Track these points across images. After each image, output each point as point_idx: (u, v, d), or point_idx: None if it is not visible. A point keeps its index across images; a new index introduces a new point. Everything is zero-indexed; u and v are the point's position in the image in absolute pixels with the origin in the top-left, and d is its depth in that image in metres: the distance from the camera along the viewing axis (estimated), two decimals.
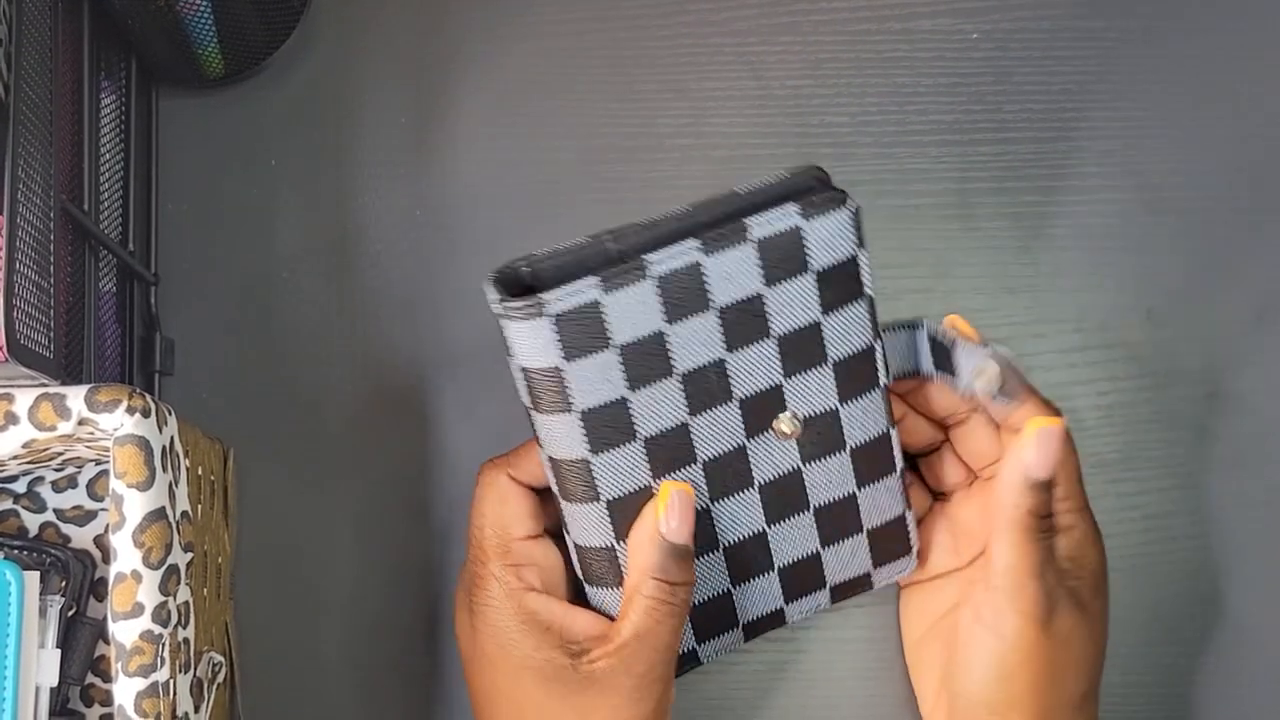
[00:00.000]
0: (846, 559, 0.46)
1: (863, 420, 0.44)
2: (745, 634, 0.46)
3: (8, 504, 0.45)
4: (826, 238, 0.41)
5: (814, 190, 0.41)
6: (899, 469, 0.45)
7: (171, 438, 0.38)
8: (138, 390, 0.37)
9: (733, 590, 0.45)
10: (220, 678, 0.44)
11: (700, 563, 0.44)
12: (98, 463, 0.44)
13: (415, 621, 0.49)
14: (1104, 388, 0.52)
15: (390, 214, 0.51)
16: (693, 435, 0.42)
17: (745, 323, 0.41)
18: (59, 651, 0.41)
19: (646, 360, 0.40)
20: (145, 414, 0.36)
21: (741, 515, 0.44)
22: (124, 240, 0.48)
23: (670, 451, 0.42)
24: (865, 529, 0.45)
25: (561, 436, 0.41)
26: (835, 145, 0.53)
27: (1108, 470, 0.52)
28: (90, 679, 0.43)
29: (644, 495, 0.42)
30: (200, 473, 0.43)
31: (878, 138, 0.53)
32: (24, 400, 0.36)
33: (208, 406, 0.50)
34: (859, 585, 0.47)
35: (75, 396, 0.36)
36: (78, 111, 0.45)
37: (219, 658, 0.43)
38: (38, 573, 0.41)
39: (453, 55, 0.52)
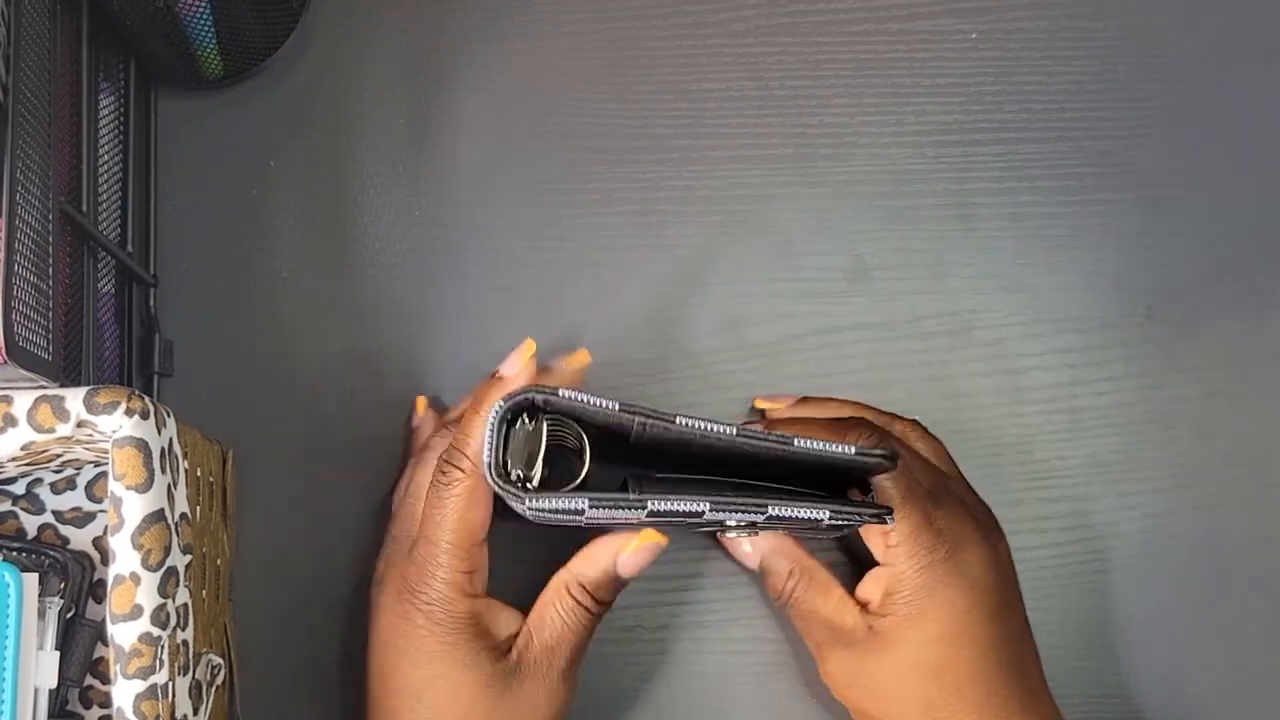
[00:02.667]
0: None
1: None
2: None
3: (6, 506, 0.45)
4: (844, 526, 0.41)
5: (865, 484, 0.42)
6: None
7: (170, 439, 0.38)
8: (136, 392, 0.37)
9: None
10: (219, 680, 0.44)
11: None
12: (96, 464, 0.44)
13: None
14: (1104, 387, 0.52)
15: (390, 213, 0.51)
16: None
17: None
18: (58, 653, 0.41)
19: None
20: (144, 416, 0.36)
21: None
22: (123, 242, 0.48)
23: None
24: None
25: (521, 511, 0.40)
26: (834, 145, 0.53)
27: (1108, 470, 0.52)
28: (89, 681, 0.43)
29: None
30: (199, 474, 0.43)
31: (876, 138, 0.53)
32: (23, 402, 0.36)
33: (207, 408, 0.50)
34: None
35: (74, 398, 0.36)
36: (76, 113, 0.44)
37: (218, 660, 0.43)
38: (36, 575, 0.41)
39: (453, 55, 0.52)
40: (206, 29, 0.47)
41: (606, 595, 0.44)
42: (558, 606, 0.43)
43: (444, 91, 0.52)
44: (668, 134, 0.53)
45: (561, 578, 0.44)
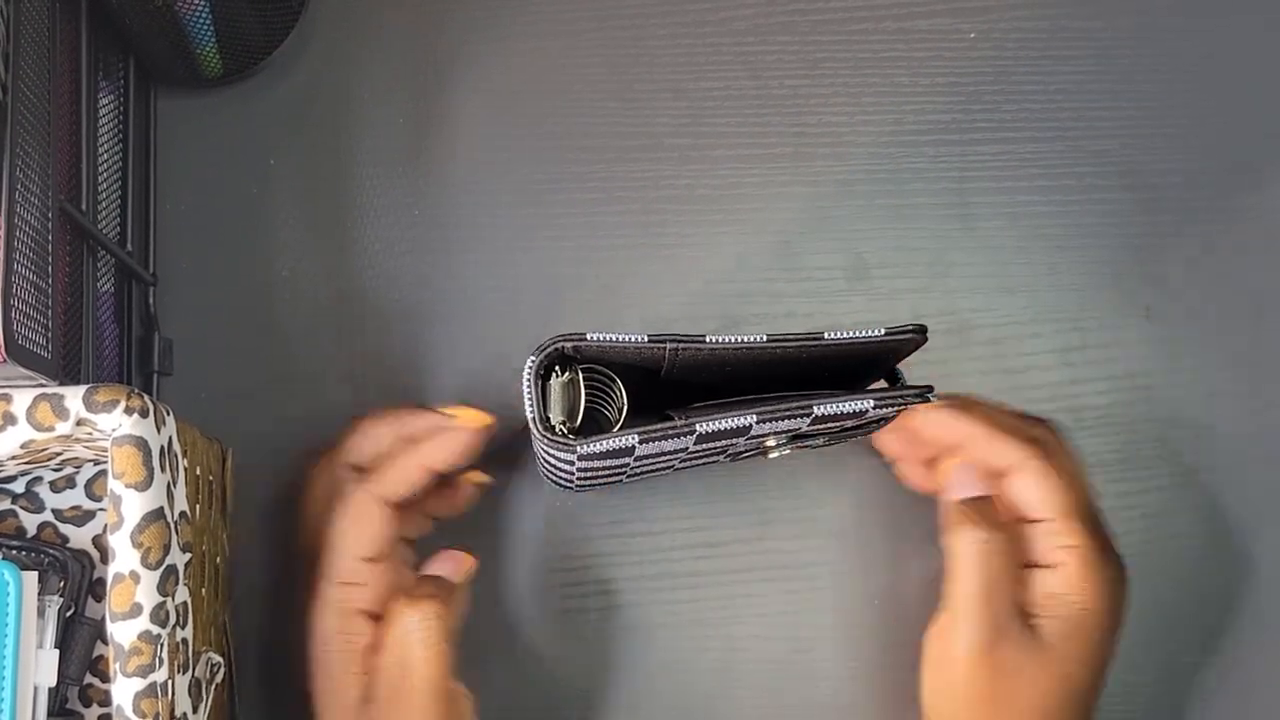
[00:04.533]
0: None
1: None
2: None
3: (6, 504, 0.45)
4: (888, 413, 0.41)
5: (898, 361, 0.41)
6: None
7: (170, 438, 0.38)
8: (136, 390, 0.37)
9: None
10: (218, 678, 0.44)
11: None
12: (96, 463, 0.44)
13: None
14: (1104, 387, 0.52)
15: (389, 213, 0.51)
16: (675, 464, 0.42)
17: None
18: (57, 652, 0.41)
19: (653, 459, 0.40)
20: (143, 414, 0.36)
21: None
22: (122, 240, 0.48)
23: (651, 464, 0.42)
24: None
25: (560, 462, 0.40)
26: (833, 145, 0.53)
27: (1108, 470, 0.52)
28: (89, 679, 0.43)
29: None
30: (199, 473, 0.43)
31: (875, 137, 0.53)
32: (22, 401, 0.36)
33: (206, 406, 0.50)
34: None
35: (73, 397, 0.36)
36: (76, 112, 0.45)
37: (217, 658, 0.43)
38: (36, 573, 0.41)
39: (453, 55, 0.52)
40: (206, 28, 0.47)
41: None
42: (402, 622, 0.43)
43: (444, 91, 0.52)
44: (667, 133, 0.53)
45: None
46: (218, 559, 0.45)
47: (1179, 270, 0.53)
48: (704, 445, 0.40)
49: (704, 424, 0.38)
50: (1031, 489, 0.44)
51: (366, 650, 0.43)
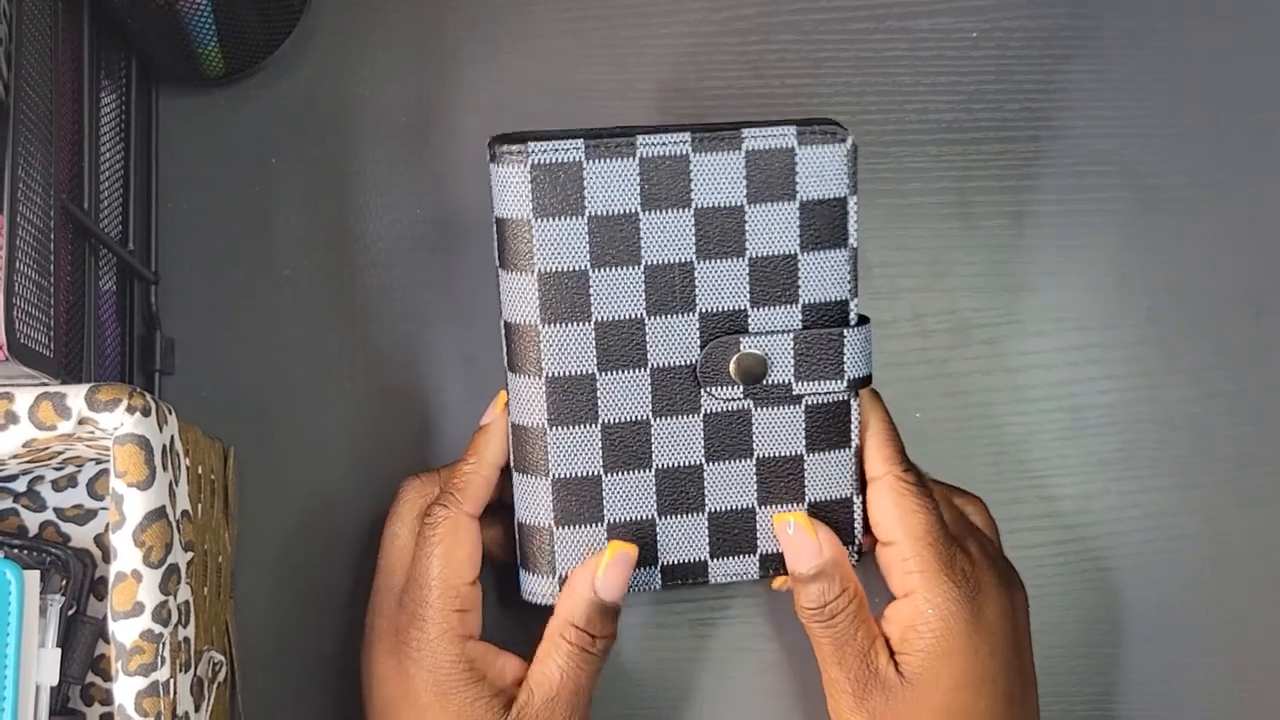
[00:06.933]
0: None
1: None
2: (663, 577, 0.45)
3: (8, 503, 0.45)
4: (818, 169, 0.42)
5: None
6: (853, 446, 0.45)
7: (172, 437, 0.38)
8: (138, 389, 0.37)
9: (657, 520, 0.44)
10: (220, 677, 0.44)
11: (630, 478, 0.43)
12: (98, 462, 0.44)
13: None
14: (1104, 386, 0.52)
15: (390, 213, 0.51)
16: (647, 336, 0.42)
17: (721, 234, 0.42)
18: (59, 650, 0.41)
19: (614, 240, 0.42)
20: (145, 413, 0.36)
21: (681, 440, 0.44)
22: (124, 239, 0.48)
23: (621, 343, 0.42)
24: (807, 499, 0.45)
25: (518, 299, 0.42)
26: None
27: (1108, 469, 0.52)
28: (90, 678, 0.43)
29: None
30: (200, 472, 0.43)
31: (877, 136, 0.53)
32: (24, 399, 0.36)
33: (208, 405, 0.50)
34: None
35: (75, 396, 0.36)
36: (78, 110, 0.45)
37: (219, 657, 0.43)
38: (38, 572, 0.41)
39: (453, 55, 0.52)
40: (208, 27, 0.47)
41: (600, 628, 0.42)
42: (555, 657, 0.42)
43: (446, 89, 0.52)
44: None
45: (552, 625, 0.43)
46: (219, 558, 0.46)
47: (1179, 270, 0.53)
48: (654, 280, 0.42)
49: (646, 137, 0.41)
50: (883, 509, 0.44)
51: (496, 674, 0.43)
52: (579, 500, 0.43)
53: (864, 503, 0.45)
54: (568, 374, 0.42)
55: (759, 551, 0.45)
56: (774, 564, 0.45)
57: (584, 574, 0.43)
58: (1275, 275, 0.53)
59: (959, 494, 0.48)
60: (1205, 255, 0.53)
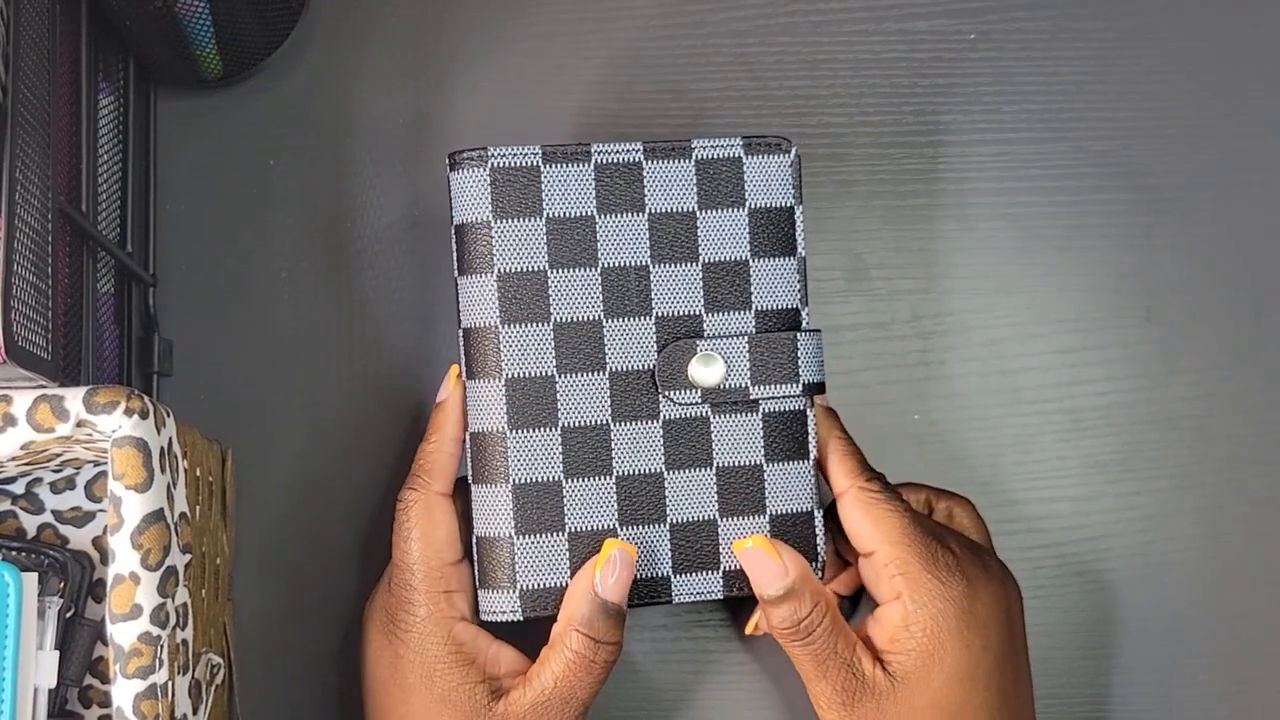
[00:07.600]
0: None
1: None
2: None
3: (6, 505, 0.45)
4: (765, 178, 0.44)
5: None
6: (811, 458, 0.45)
7: (170, 439, 0.38)
8: (136, 392, 0.37)
9: (619, 530, 0.44)
10: (219, 679, 0.44)
11: (591, 485, 0.43)
12: (96, 464, 0.44)
13: None
14: (1103, 388, 0.52)
15: (389, 213, 0.51)
16: (605, 338, 0.43)
17: (675, 239, 0.44)
18: (57, 653, 0.41)
19: (572, 242, 0.43)
20: (143, 415, 0.36)
21: (641, 446, 0.44)
22: (122, 241, 0.48)
23: (580, 344, 0.43)
24: (768, 511, 0.44)
25: (478, 302, 0.43)
26: (832, 145, 0.53)
27: (1107, 470, 0.52)
28: (88, 680, 0.43)
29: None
30: (199, 474, 0.43)
31: (875, 138, 0.53)
32: (22, 402, 0.36)
33: (206, 407, 0.50)
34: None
35: (73, 398, 0.36)
36: (76, 112, 0.45)
37: (217, 659, 0.43)
38: (36, 574, 0.41)
39: (453, 55, 0.52)
40: (205, 29, 0.47)
41: (603, 632, 0.42)
42: (553, 662, 0.42)
43: (444, 91, 0.52)
44: (667, 134, 0.52)
45: (556, 629, 0.43)
46: (217, 560, 0.46)
47: (1179, 270, 0.53)
48: (610, 282, 0.43)
49: (601, 144, 0.43)
50: (855, 521, 0.44)
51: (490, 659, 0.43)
52: (540, 507, 0.43)
53: (824, 518, 0.45)
54: (527, 375, 0.43)
55: (721, 568, 0.44)
56: (737, 581, 0.44)
57: (584, 576, 0.43)
58: (1275, 275, 0.53)
59: (947, 496, 0.48)
60: (1205, 255, 0.53)
